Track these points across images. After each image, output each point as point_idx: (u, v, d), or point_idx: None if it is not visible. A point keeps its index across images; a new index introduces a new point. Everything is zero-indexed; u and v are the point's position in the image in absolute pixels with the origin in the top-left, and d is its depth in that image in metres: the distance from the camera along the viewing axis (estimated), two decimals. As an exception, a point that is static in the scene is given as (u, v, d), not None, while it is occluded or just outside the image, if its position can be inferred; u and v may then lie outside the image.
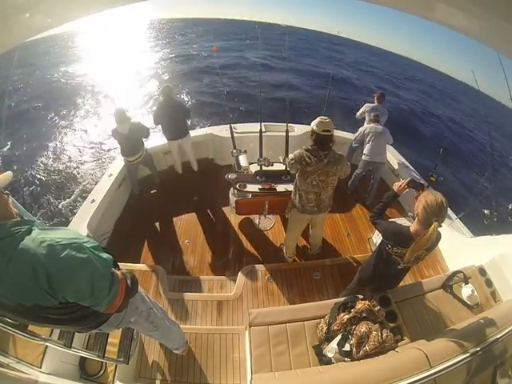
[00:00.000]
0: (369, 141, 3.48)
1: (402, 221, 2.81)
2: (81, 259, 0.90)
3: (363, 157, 3.53)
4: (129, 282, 1.12)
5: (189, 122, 3.83)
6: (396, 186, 1.68)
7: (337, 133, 4.25)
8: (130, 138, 3.24)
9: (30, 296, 0.86)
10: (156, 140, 4.09)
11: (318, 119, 2.02)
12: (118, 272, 1.09)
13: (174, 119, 3.52)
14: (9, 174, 0.95)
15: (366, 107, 3.95)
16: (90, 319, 1.09)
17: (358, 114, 4.09)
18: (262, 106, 3.56)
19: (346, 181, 3.71)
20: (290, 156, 2.15)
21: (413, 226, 1.49)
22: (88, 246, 0.95)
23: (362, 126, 3.97)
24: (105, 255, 1.00)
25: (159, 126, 3.63)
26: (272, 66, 14.71)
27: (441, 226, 1.34)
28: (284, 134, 3.12)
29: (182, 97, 11.34)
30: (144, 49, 21.63)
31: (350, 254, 2.98)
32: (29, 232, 0.89)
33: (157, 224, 3.38)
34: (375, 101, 3.94)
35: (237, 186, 2.73)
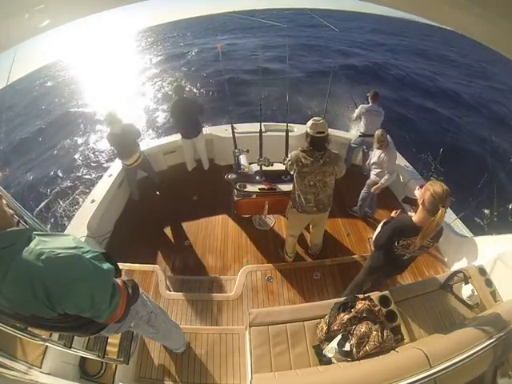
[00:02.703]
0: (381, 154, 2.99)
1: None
2: (80, 272, 0.88)
3: (374, 173, 3.05)
4: (130, 290, 1.10)
5: (203, 122, 3.86)
6: (394, 213, 1.90)
7: (337, 133, 4.30)
8: (124, 138, 3.21)
9: (28, 308, 0.85)
10: (156, 140, 4.09)
11: (311, 121, 2.01)
12: (119, 282, 1.07)
13: (188, 117, 3.59)
14: None
15: (360, 109, 3.82)
16: (89, 326, 1.07)
17: (354, 117, 3.98)
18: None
19: (352, 197, 3.49)
20: (288, 158, 2.16)
21: (416, 216, 1.57)
22: (88, 256, 0.92)
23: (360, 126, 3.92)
24: (105, 266, 0.97)
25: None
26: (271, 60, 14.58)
27: (446, 212, 1.42)
28: (284, 134, 3.12)
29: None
30: (136, 60, 20.99)
31: (349, 254, 2.98)
32: (28, 242, 0.86)
33: (157, 224, 3.38)
34: (369, 101, 3.80)
35: (237, 186, 2.73)
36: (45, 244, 0.87)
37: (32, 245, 0.85)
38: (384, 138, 2.87)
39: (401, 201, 1.82)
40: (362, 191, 3.27)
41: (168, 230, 3.31)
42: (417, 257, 1.79)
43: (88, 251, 0.94)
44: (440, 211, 1.38)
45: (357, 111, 3.91)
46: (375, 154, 3.01)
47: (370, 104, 3.80)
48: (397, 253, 1.69)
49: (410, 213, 1.85)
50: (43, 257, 0.83)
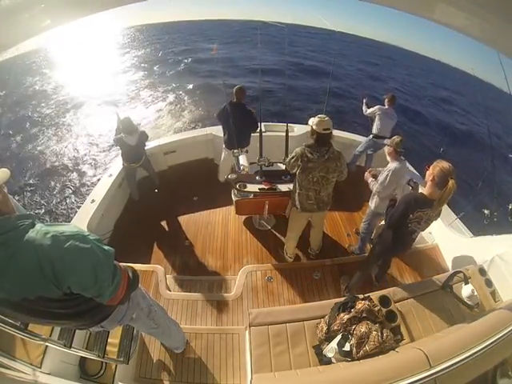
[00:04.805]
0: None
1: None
2: (84, 249, 0.92)
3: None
4: (130, 274, 1.13)
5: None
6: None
7: (339, 133, 4.30)
8: (137, 149, 3.27)
9: (34, 287, 0.86)
10: (156, 140, 4.09)
11: (316, 119, 2.05)
12: (120, 264, 1.11)
13: (238, 126, 3.05)
14: (5, 170, 0.96)
15: (377, 109, 3.82)
16: (93, 312, 1.10)
17: (369, 111, 3.92)
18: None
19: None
20: (292, 154, 2.17)
21: (426, 190, 1.77)
22: (91, 238, 0.97)
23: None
24: (107, 247, 1.02)
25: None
26: (270, 68, 14.78)
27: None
28: (284, 134, 3.12)
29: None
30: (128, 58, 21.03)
31: (349, 254, 2.98)
32: (32, 225, 0.90)
33: (157, 224, 3.38)
34: (386, 104, 3.82)
35: (237, 186, 2.73)
36: (49, 227, 0.92)
37: (37, 226, 0.90)
38: (401, 146, 2.35)
39: (406, 183, 2.07)
40: (362, 224, 2.82)
41: (168, 230, 3.31)
42: (420, 232, 1.95)
43: (89, 234, 0.98)
44: (451, 181, 1.59)
45: (372, 109, 3.90)
46: (383, 173, 2.43)
47: (387, 107, 3.81)
48: (409, 228, 1.83)
49: None
50: (49, 235, 0.87)
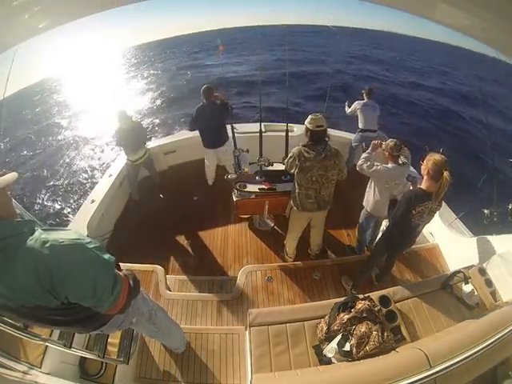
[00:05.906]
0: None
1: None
2: (83, 259, 0.90)
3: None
4: (131, 282, 1.11)
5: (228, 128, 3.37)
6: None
7: (337, 133, 4.30)
8: (133, 133, 3.26)
9: (32, 297, 0.85)
10: (156, 140, 4.10)
11: (309, 117, 2.11)
12: (120, 273, 1.08)
13: (212, 124, 3.19)
14: (14, 174, 0.95)
15: (356, 105, 3.94)
16: (92, 320, 1.08)
17: (349, 110, 4.05)
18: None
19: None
20: (289, 154, 2.19)
21: (424, 185, 1.78)
22: (90, 246, 0.95)
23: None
24: (107, 256, 1.00)
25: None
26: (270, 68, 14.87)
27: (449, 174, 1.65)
28: (284, 134, 3.11)
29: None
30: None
31: (349, 254, 2.97)
32: (32, 232, 0.89)
33: (157, 224, 3.38)
34: (365, 97, 3.93)
35: (237, 186, 2.73)
36: (48, 234, 0.90)
37: (36, 234, 0.89)
38: (396, 150, 2.21)
39: (406, 179, 2.16)
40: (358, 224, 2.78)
41: (168, 230, 3.31)
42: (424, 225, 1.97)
43: (89, 242, 0.96)
44: (445, 173, 1.61)
45: (352, 106, 4.01)
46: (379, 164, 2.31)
47: (366, 100, 3.92)
48: (413, 223, 1.84)
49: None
50: (48, 244, 0.85)
